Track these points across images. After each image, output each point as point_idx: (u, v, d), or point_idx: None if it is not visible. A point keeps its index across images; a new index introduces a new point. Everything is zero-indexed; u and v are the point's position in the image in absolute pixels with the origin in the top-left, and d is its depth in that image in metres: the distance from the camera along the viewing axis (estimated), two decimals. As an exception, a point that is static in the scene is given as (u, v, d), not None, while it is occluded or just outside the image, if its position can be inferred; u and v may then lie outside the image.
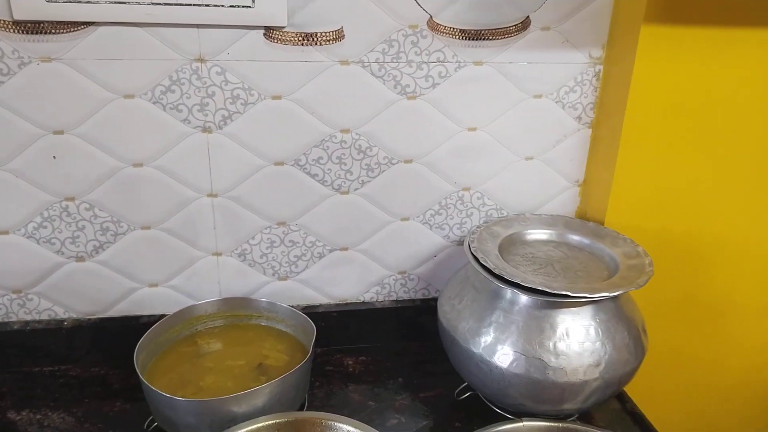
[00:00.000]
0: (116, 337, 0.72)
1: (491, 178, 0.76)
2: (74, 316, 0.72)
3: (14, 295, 0.70)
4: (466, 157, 0.74)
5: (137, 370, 0.59)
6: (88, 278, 0.71)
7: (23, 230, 0.68)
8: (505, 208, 0.78)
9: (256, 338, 0.70)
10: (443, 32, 0.68)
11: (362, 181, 0.73)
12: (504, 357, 0.61)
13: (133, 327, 0.72)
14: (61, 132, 0.65)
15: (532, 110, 0.73)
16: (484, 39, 0.69)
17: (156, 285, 0.73)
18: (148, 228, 0.70)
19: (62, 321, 0.72)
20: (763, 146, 0.74)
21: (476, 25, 0.68)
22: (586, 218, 0.78)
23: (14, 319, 0.71)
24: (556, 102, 0.73)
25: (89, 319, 0.73)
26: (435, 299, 0.77)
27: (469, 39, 0.68)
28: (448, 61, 0.69)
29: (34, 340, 0.71)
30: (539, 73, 0.71)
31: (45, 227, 0.68)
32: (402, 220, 0.76)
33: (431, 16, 0.67)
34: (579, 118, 0.75)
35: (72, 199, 0.67)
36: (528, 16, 0.69)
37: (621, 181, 0.73)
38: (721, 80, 0.70)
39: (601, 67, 0.73)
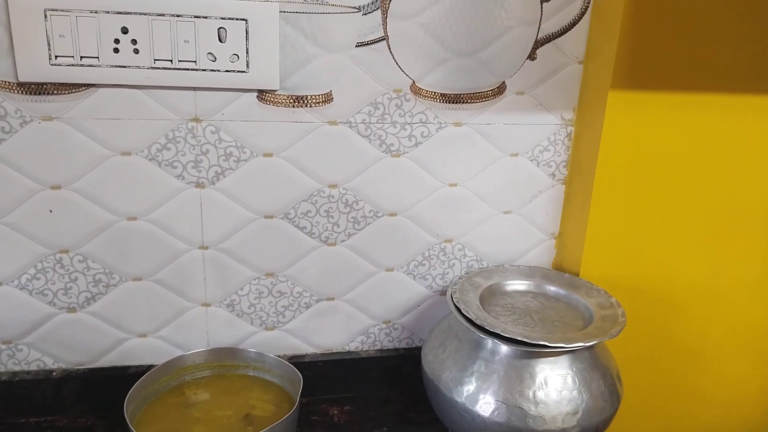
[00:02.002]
0: (104, 388, 0.73)
1: (472, 231, 0.80)
2: (63, 366, 0.73)
3: (4, 346, 0.71)
4: (448, 210, 0.78)
5: (128, 423, 0.60)
6: (79, 329, 0.72)
7: (17, 281, 0.69)
8: (485, 260, 0.81)
9: (243, 388, 0.71)
10: (425, 96, 0.72)
11: (349, 233, 0.76)
12: (486, 406, 0.63)
13: (120, 377, 0.73)
14: (58, 187, 0.67)
15: (509, 167, 0.77)
16: (463, 102, 0.73)
17: (145, 335, 0.74)
18: (140, 279, 0.72)
19: (51, 371, 0.73)
20: (723, 198, 0.78)
21: (456, 90, 0.73)
22: (562, 269, 0.81)
23: (2, 370, 0.72)
24: (531, 160, 0.78)
25: (78, 369, 0.73)
26: (419, 348, 0.79)
27: (449, 102, 0.73)
28: (429, 122, 0.73)
29: (21, 391, 0.71)
30: (515, 133, 0.76)
31: (38, 279, 0.69)
32: (387, 270, 0.79)
33: (414, 81, 0.72)
34: (553, 174, 0.79)
35: (66, 251, 0.69)
36: (504, 82, 0.74)
37: (594, 234, 0.77)
38: (683, 140, 0.75)
39: (573, 128, 0.78)
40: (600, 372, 0.65)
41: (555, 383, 0.63)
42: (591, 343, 0.62)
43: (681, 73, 0.72)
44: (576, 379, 0.63)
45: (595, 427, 0.64)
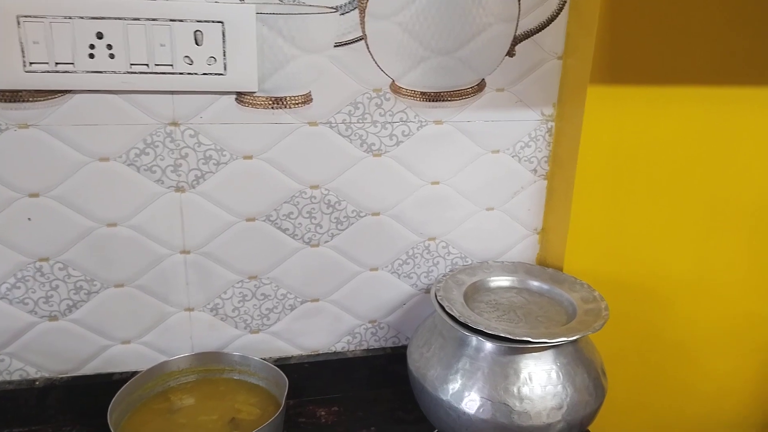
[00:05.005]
0: (88, 396, 0.72)
1: (455, 228, 0.80)
2: (46, 375, 0.73)
3: (-15, 357, 0.71)
4: (431, 208, 0.78)
5: (112, 430, 0.59)
6: (61, 337, 0.71)
7: (-4, 291, 0.68)
8: (469, 257, 0.81)
9: (228, 392, 0.71)
10: (405, 95, 0.72)
11: (332, 234, 0.76)
12: (471, 403, 0.63)
13: (105, 384, 0.72)
14: (36, 195, 0.66)
15: (491, 164, 0.78)
16: (443, 100, 0.73)
17: (128, 342, 0.74)
18: (122, 286, 0.71)
19: (34, 381, 0.72)
20: (706, 190, 0.79)
21: (435, 88, 0.73)
22: (545, 264, 0.82)
23: (-16, 380, 0.71)
24: (513, 156, 0.78)
25: (61, 377, 0.73)
26: (405, 347, 0.79)
27: (429, 100, 0.73)
28: (410, 121, 0.73)
29: (4, 402, 0.71)
30: (496, 130, 0.76)
31: (18, 288, 0.69)
32: (371, 270, 0.79)
33: (393, 80, 0.72)
34: (535, 170, 0.80)
35: (46, 259, 0.69)
36: (483, 79, 0.74)
37: (576, 228, 0.77)
38: (663, 133, 0.75)
39: (553, 123, 0.78)
40: (584, 366, 0.65)
41: (539, 378, 0.63)
42: (574, 338, 0.62)
43: (660, 66, 0.72)
44: (560, 373, 0.63)
45: (580, 421, 0.64)
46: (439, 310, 0.67)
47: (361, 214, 0.76)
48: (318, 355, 0.80)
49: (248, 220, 0.73)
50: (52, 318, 0.71)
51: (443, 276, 0.74)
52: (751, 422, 0.94)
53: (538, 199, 0.81)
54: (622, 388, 0.84)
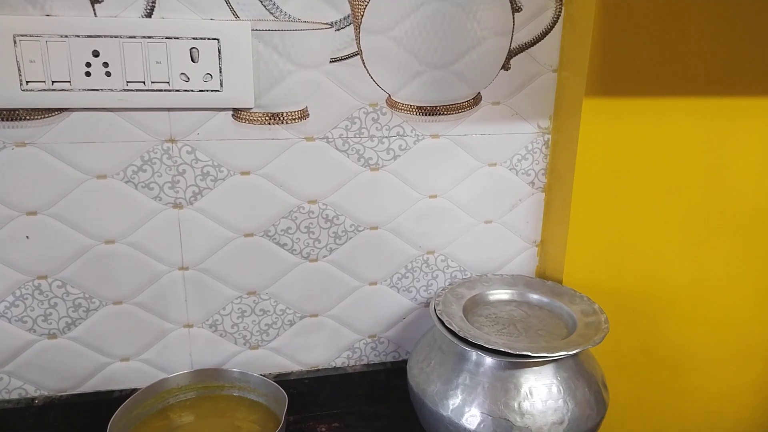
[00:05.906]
0: (88, 414, 0.72)
1: (454, 242, 0.79)
2: (45, 393, 0.72)
3: (-17, 376, 0.70)
4: (429, 222, 0.78)
5: (109, 449, 0.59)
6: (60, 355, 0.71)
7: (-6, 310, 0.68)
8: (468, 270, 0.81)
9: (228, 409, 0.70)
10: (401, 109, 0.72)
11: (330, 248, 0.76)
12: (472, 419, 0.62)
13: (105, 402, 0.72)
14: (34, 213, 0.66)
15: (488, 177, 0.78)
16: (439, 114, 0.73)
17: (128, 359, 0.73)
18: (120, 303, 0.71)
19: (33, 399, 0.72)
20: (702, 200, 0.79)
21: (432, 102, 0.73)
22: (545, 277, 0.82)
23: (-18, 400, 0.71)
24: (510, 169, 0.78)
25: (60, 396, 0.72)
26: (405, 361, 0.79)
27: (425, 114, 0.73)
28: (407, 135, 0.73)
29: (3, 421, 0.70)
30: (492, 143, 0.76)
31: (17, 306, 0.69)
32: (370, 284, 0.78)
33: (390, 95, 0.72)
34: (532, 183, 0.79)
35: (44, 277, 0.69)
36: (479, 93, 0.74)
37: (575, 240, 0.77)
38: (659, 144, 0.75)
39: (550, 136, 0.78)
40: (585, 380, 0.65)
41: (540, 393, 0.62)
42: (574, 352, 0.62)
43: (654, 78, 0.72)
44: (561, 388, 0.63)
45: (581, 435, 0.63)
46: (439, 325, 0.67)
47: (360, 229, 0.76)
48: (318, 370, 0.80)
49: (246, 235, 0.73)
50: (51, 336, 0.71)
51: (442, 290, 0.74)
52: (752, 430, 0.93)
53: (536, 212, 0.81)
54: (624, 400, 0.83)
